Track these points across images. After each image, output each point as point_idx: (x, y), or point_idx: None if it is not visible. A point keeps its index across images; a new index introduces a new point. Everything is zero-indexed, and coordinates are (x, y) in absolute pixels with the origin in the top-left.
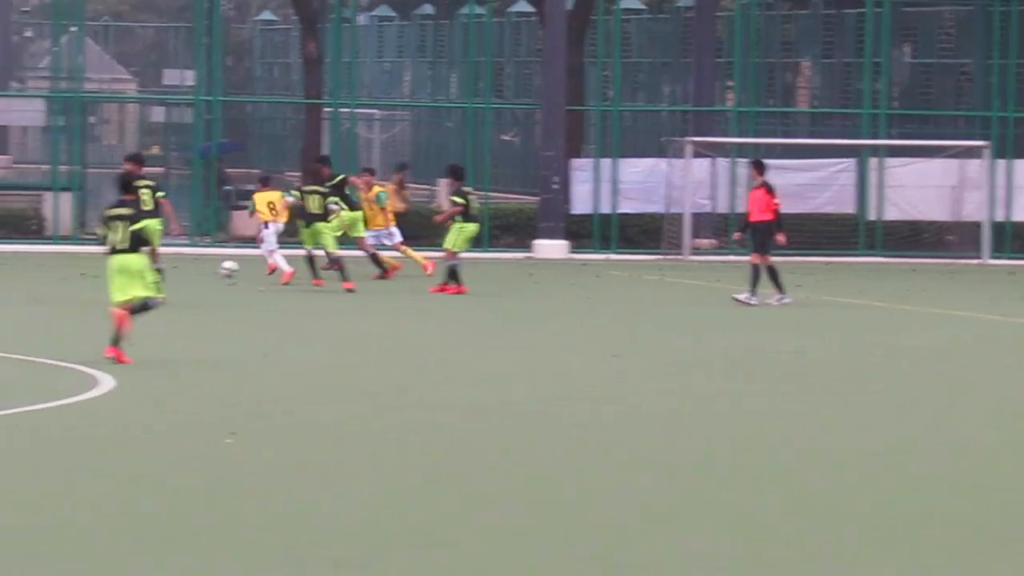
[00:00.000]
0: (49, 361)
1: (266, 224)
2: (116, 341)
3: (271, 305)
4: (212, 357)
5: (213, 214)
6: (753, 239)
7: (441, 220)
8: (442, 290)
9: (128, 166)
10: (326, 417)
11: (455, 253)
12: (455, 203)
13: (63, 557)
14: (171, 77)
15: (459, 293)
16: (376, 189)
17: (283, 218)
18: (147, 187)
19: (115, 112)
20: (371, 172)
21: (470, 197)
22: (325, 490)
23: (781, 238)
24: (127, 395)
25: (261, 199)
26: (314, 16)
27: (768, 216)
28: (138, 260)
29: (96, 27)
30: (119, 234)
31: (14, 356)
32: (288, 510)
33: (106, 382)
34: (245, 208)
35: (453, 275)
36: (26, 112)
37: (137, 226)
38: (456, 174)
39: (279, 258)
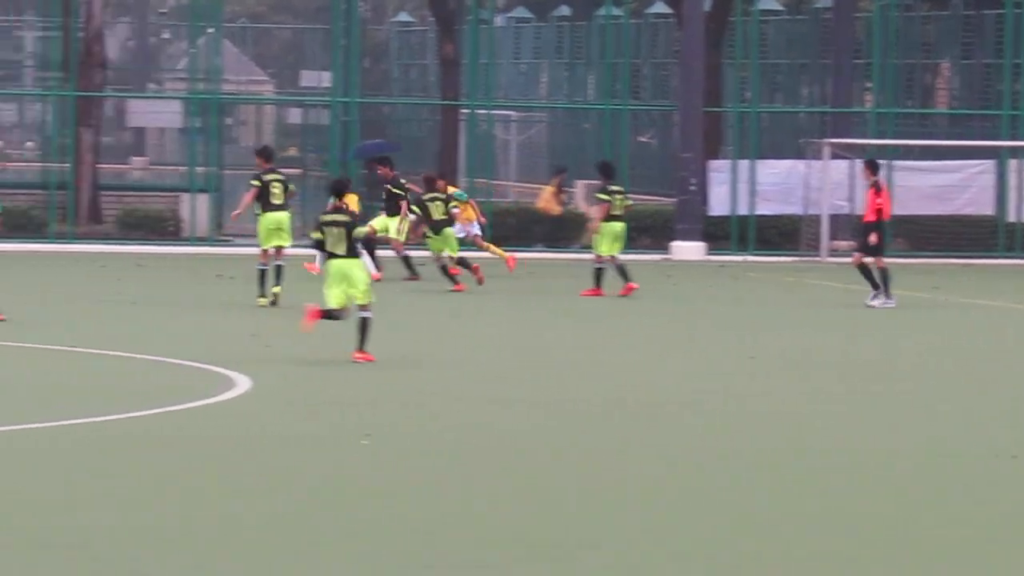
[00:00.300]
0: (185, 362)
1: None
2: (362, 346)
3: (412, 306)
4: (347, 357)
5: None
6: (863, 239)
7: (595, 227)
8: (595, 294)
9: (382, 171)
10: (468, 417)
11: (601, 256)
12: (600, 199)
13: (196, 557)
14: (308, 79)
15: (595, 295)
16: (451, 189)
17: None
18: (278, 181)
19: (252, 113)
20: (442, 177)
21: (616, 196)
22: (466, 492)
23: (873, 238)
24: (263, 396)
25: (352, 200)
26: (451, 18)
27: (872, 217)
28: (358, 266)
29: (233, 29)
30: (336, 240)
31: (151, 357)
32: (427, 513)
33: (242, 383)
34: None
35: (599, 278)
36: (163, 114)
37: (360, 232)
38: (605, 171)
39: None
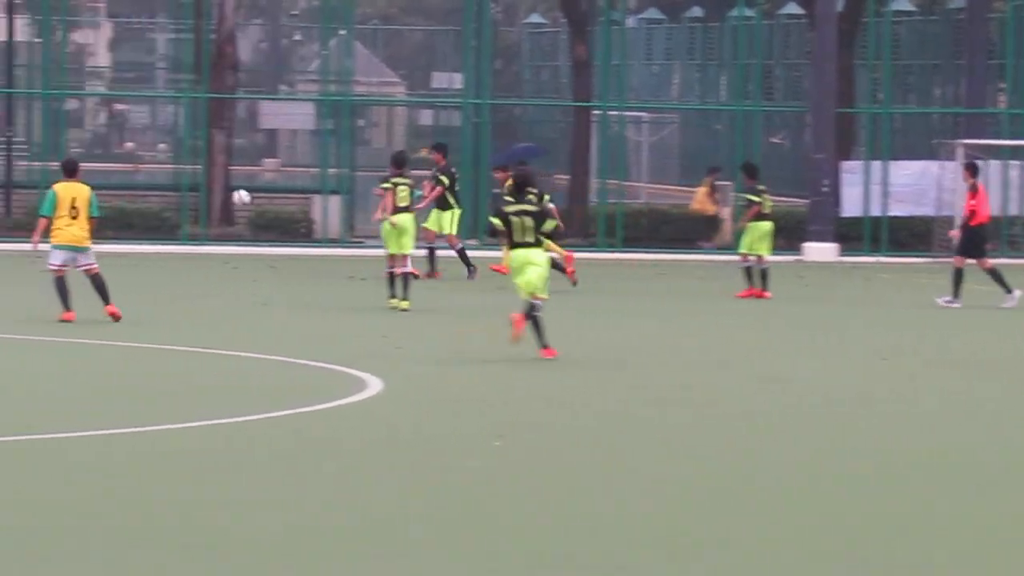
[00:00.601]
0: (317, 364)
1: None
2: (543, 342)
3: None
4: (477, 358)
5: (481, 217)
6: (966, 241)
7: (744, 223)
8: (750, 295)
9: (434, 156)
10: (602, 419)
11: (747, 256)
12: (751, 202)
13: (329, 558)
14: (439, 80)
15: (754, 296)
16: (510, 182)
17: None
18: (405, 185)
19: (383, 115)
20: (504, 168)
21: (765, 195)
22: (602, 493)
23: (953, 233)
24: (394, 397)
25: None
26: (583, 19)
27: (970, 218)
28: (541, 255)
29: (365, 30)
30: (524, 230)
31: (283, 359)
32: (563, 513)
33: (373, 384)
34: None
35: (750, 277)
36: (295, 115)
37: (548, 226)
38: (751, 172)
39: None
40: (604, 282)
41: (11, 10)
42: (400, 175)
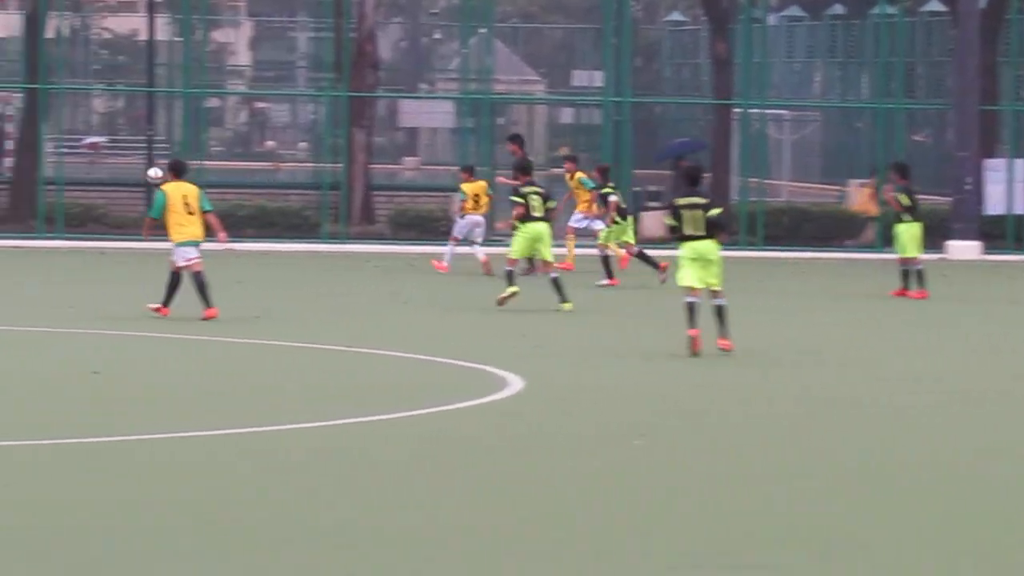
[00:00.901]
0: (458, 362)
1: (462, 215)
2: (724, 331)
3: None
4: (617, 355)
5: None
6: None
7: (895, 223)
8: (902, 294)
9: (516, 155)
10: (761, 418)
11: (905, 259)
12: (899, 202)
13: (467, 557)
14: (579, 78)
15: (908, 296)
16: (579, 175)
17: (484, 210)
18: (536, 194)
19: (523, 113)
20: (574, 160)
21: (914, 196)
22: (745, 489)
23: None
24: (535, 395)
25: (470, 190)
26: (724, 16)
27: None
28: (713, 247)
29: (504, 29)
30: (692, 222)
31: (424, 357)
32: (694, 513)
33: (514, 383)
34: (654, 209)
35: (907, 278)
36: (435, 114)
37: (714, 212)
38: (902, 172)
39: (478, 251)
40: (748, 281)
41: (152, 9)
42: (530, 182)
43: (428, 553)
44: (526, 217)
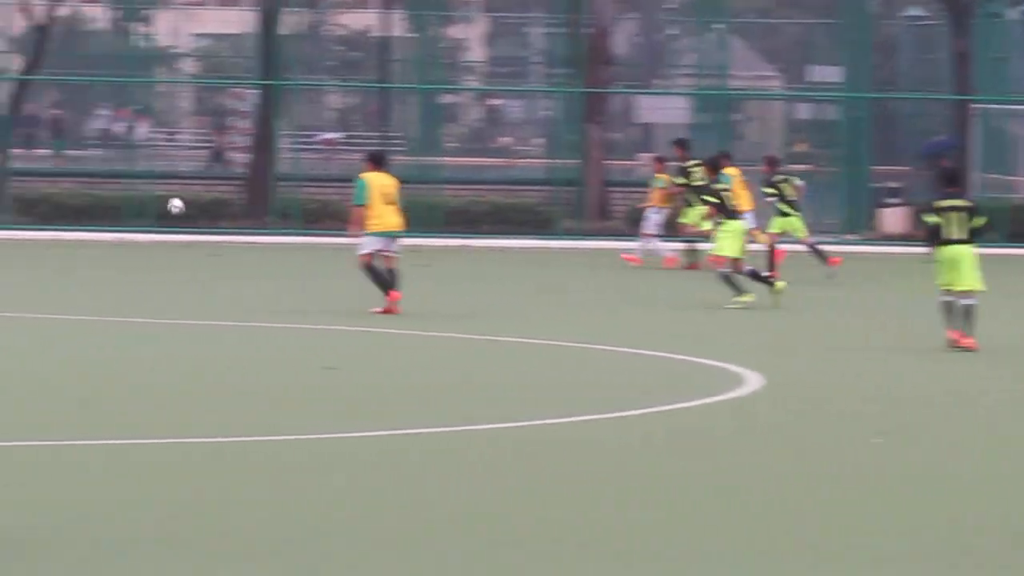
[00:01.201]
0: (693, 359)
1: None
2: (969, 330)
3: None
4: (854, 349)
5: (860, 211)
6: None
7: None
8: None
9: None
10: (993, 418)
11: None
12: None
13: (691, 555)
14: (817, 74)
15: None
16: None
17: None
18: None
19: (758, 109)
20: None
21: None
22: (961, 491)
23: None
24: (774, 393)
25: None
26: (963, 11)
27: None
28: (971, 254)
29: (740, 24)
30: (954, 225)
31: (658, 354)
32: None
33: (752, 380)
34: (894, 205)
35: None
36: (671, 110)
37: (979, 222)
38: None
39: (659, 244)
40: (991, 279)
41: (388, 5)
42: (717, 181)
43: (650, 549)
44: (723, 214)
